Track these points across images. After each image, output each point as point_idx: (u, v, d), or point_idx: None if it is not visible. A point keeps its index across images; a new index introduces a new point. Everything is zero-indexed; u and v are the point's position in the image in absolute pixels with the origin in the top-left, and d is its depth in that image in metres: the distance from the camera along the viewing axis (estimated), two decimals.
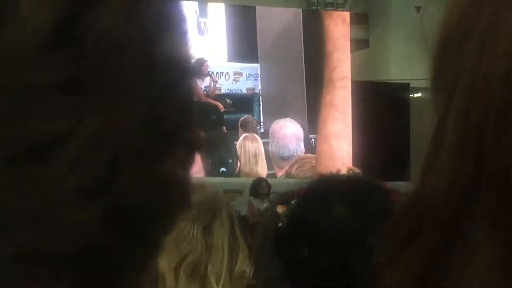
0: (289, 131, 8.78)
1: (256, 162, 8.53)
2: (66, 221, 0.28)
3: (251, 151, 8.50)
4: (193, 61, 0.35)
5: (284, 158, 8.55)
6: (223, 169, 8.53)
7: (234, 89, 10.06)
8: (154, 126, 0.31)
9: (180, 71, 0.33)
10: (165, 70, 0.31)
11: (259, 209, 6.38)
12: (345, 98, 9.07)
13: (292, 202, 1.22)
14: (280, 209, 1.23)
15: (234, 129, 9.05)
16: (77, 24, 0.28)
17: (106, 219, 0.29)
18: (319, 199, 1.20)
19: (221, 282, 1.49)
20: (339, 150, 8.71)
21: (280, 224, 1.21)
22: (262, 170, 8.52)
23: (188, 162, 0.34)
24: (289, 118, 9.03)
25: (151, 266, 0.35)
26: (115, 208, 0.29)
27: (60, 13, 0.28)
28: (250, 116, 9.41)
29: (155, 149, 0.31)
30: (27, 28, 0.27)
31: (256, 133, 9.00)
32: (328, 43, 9.37)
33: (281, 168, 8.75)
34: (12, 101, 0.27)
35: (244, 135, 8.74)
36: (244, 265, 1.55)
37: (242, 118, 9.15)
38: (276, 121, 9.01)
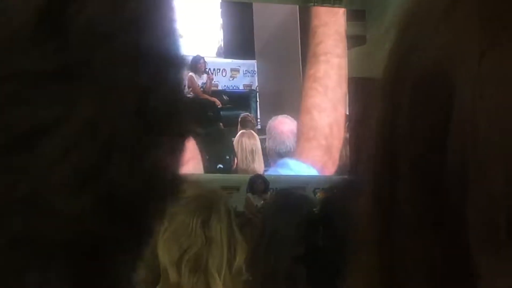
0: (286, 128, 8.77)
1: (253, 159, 8.51)
2: (59, 208, 0.28)
3: (248, 148, 8.50)
4: (182, 51, 0.35)
5: (281, 155, 8.54)
6: (220, 165, 8.52)
7: (231, 85, 10.05)
8: (143, 114, 0.31)
9: (168, 60, 0.33)
10: (153, 59, 0.32)
11: (257, 205, 6.37)
12: (327, 72, 9.15)
13: (333, 191, 1.27)
14: (320, 195, 1.29)
15: (231, 126, 9.04)
16: (64, 13, 0.29)
17: (98, 206, 0.29)
18: (349, 192, 1.23)
19: (222, 275, 1.49)
20: (320, 122, 8.78)
21: (315, 209, 1.25)
22: (259, 167, 8.51)
23: (177, 150, 0.34)
24: (286, 115, 9.02)
25: (145, 252, 0.35)
26: (107, 195, 0.29)
27: (47, 2, 0.28)
28: (250, 114, 9.40)
29: (144, 137, 0.31)
30: (16, 17, 0.28)
31: (255, 130, 8.99)
32: (315, 19, 9.45)
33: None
34: (3, 90, 0.27)
35: (241, 131, 8.73)
36: (242, 260, 1.56)
37: (241, 116, 9.14)
38: (273, 118, 9.01)
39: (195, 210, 1.52)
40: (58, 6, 0.28)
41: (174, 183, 0.34)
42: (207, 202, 1.56)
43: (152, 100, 0.31)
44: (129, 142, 0.30)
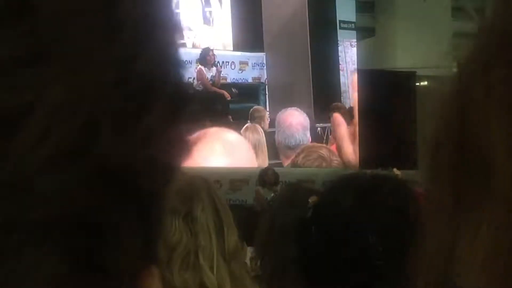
0: (295, 120, 8.75)
1: (256, 154, 8.50)
2: (46, 188, 0.28)
3: (251, 143, 8.50)
4: (170, 10, 0.34)
5: (290, 148, 8.52)
6: None
7: (240, 78, 10.05)
8: (126, 84, 0.30)
9: (148, 25, 0.32)
10: (130, 27, 0.30)
11: (266, 198, 6.38)
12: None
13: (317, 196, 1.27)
14: (311, 199, 1.28)
15: (240, 119, 9.04)
16: None
17: (88, 182, 0.29)
18: (334, 194, 1.24)
19: (215, 267, 1.47)
20: None
21: (308, 214, 1.26)
22: (262, 162, 8.50)
23: (173, 113, 0.33)
24: (295, 107, 9.02)
25: (154, 235, 0.34)
26: (98, 169, 0.29)
27: None
28: (260, 107, 9.41)
29: (132, 106, 0.30)
30: None
31: (264, 124, 8.98)
32: None
33: (287, 157, 8.72)
34: None
35: (245, 125, 8.75)
36: (234, 241, 1.53)
37: (252, 109, 9.17)
38: (283, 110, 9.01)
39: (176, 206, 1.49)
40: None
41: (173, 147, 0.33)
42: (188, 194, 1.52)
43: (134, 68, 0.30)
44: (116, 113, 0.29)
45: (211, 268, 1.46)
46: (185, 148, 0.34)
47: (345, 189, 1.26)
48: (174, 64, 0.33)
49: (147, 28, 0.31)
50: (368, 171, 1.38)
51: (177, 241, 1.46)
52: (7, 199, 0.27)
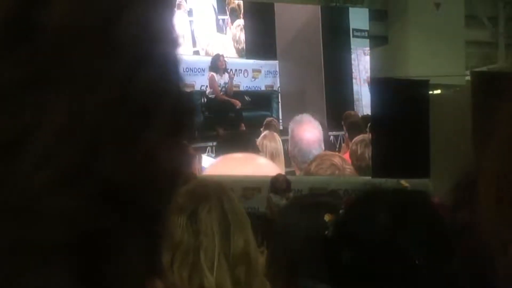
0: (312, 137, 8.77)
1: (273, 162, 8.52)
2: (51, 211, 0.28)
3: (269, 151, 8.51)
4: (167, 25, 0.33)
5: (306, 162, 8.55)
6: None
7: (253, 86, 10.05)
8: (127, 102, 0.30)
9: (148, 40, 0.32)
10: (130, 46, 0.30)
11: (278, 205, 6.36)
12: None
13: (340, 211, 1.28)
14: (327, 217, 1.28)
15: (253, 127, 9.04)
16: (30, 20, 0.28)
17: (94, 202, 0.29)
18: (364, 210, 1.24)
19: (215, 268, 1.46)
20: None
21: (327, 232, 1.26)
22: (279, 170, 8.54)
23: (175, 129, 0.33)
24: (308, 115, 9.01)
25: (157, 250, 0.34)
26: (101, 189, 0.29)
27: (11, 11, 0.28)
28: (275, 118, 9.41)
29: (133, 124, 0.30)
30: None
31: (277, 132, 8.98)
32: None
33: (301, 169, 8.72)
34: None
35: (263, 133, 8.74)
36: (241, 245, 1.52)
37: (266, 120, 9.18)
38: (296, 119, 8.99)
39: (182, 206, 1.49)
40: (26, 11, 0.28)
41: (174, 163, 0.33)
42: (195, 195, 1.52)
43: (134, 86, 0.30)
44: (116, 132, 0.30)
45: (211, 269, 1.46)
46: (187, 161, 0.34)
47: (375, 205, 1.26)
48: (175, 77, 0.33)
49: (147, 43, 0.31)
50: (381, 181, 1.38)
51: (179, 240, 1.46)
52: (13, 222, 0.27)
